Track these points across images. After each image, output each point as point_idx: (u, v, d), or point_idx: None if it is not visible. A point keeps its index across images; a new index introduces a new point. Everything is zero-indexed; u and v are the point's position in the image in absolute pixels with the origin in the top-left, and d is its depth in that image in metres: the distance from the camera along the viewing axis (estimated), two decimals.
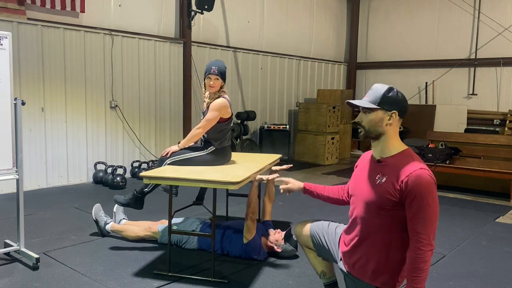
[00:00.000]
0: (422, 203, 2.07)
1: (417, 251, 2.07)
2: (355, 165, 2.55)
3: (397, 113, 2.21)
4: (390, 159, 2.23)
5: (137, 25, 7.47)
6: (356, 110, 2.40)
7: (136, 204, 4.13)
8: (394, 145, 2.25)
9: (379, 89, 2.23)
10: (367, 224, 2.28)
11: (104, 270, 3.62)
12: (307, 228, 2.73)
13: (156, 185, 4.02)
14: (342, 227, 2.62)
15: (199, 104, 8.24)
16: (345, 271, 2.46)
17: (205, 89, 4.09)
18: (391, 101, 2.20)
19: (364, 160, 2.46)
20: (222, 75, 3.98)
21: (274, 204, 4.56)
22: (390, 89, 2.22)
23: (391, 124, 2.21)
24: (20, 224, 3.73)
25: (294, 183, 2.78)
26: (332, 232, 2.65)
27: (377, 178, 2.24)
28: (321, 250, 2.70)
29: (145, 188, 4.06)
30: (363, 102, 2.25)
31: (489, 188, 6.83)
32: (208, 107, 4.02)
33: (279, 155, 4.84)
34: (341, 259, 2.51)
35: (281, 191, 2.80)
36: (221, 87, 4.03)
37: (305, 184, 2.76)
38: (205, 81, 4.02)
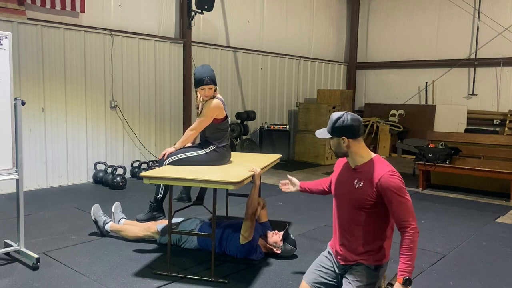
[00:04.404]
0: (399, 199, 2.50)
1: (406, 235, 2.48)
2: (334, 168, 2.94)
3: (346, 138, 2.60)
4: (364, 166, 2.64)
5: (137, 25, 7.48)
6: None
7: (158, 213, 4.16)
8: (362, 155, 2.65)
9: (332, 119, 2.65)
10: (353, 221, 2.67)
11: (104, 270, 3.62)
12: (304, 285, 2.92)
13: (167, 190, 4.00)
14: (324, 253, 2.95)
15: None
16: (342, 266, 2.73)
17: (197, 97, 4.06)
18: (338, 130, 2.61)
19: (339, 166, 2.86)
20: (214, 81, 3.96)
21: (274, 204, 4.57)
22: (337, 119, 2.61)
23: (348, 145, 2.62)
24: (20, 224, 3.73)
25: (293, 187, 3.33)
26: (320, 263, 2.91)
27: (355, 183, 2.64)
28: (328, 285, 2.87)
29: (157, 195, 4.07)
30: (322, 132, 2.72)
31: (489, 188, 6.82)
32: (202, 108, 4.03)
33: (279, 155, 4.84)
34: (337, 265, 2.78)
35: (282, 189, 3.34)
36: (214, 90, 4.02)
37: (300, 184, 3.28)
38: (198, 90, 3.98)
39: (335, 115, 2.64)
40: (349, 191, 2.66)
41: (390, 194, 2.50)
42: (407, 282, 2.43)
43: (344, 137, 2.60)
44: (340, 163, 2.86)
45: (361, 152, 2.65)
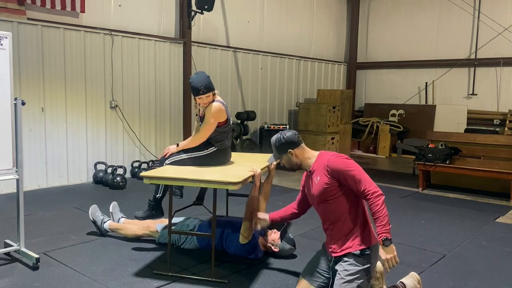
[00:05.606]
0: (349, 173, 2.77)
1: (370, 201, 2.70)
2: (301, 185, 3.22)
3: (291, 150, 2.99)
4: (315, 165, 2.97)
5: (137, 25, 7.47)
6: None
7: (156, 212, 4.16)
8: (310, 157, 3.02)
9: (273, 143, 3.07)
10: (327, 214, 2.93)
11: (104, 270, 3.62)
12: (301, 281, 3.07)
13: (166, 189, 4.00)
14: (319, 250, 3.16)
15: None
16: (333, 258, 2.92)
17: (196, 103, 4.03)
18: (282, 148, 3.02)
19: (304, 178, 3.16)
20: (210, 89, 3.90)
21: (274, 204, 4.56)
22: (276, 140, 3.03)
23: (296, 155, 3.00)
24: (20, 224, 3.73)
25: (265, 223, 3.43)
26: (315, 259, 3.11)
27: (315, 180, 2.93)
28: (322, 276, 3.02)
29: (157, 194, 4.08)
30: (271, 158, 3.21)
31: (489, 188, 6.82)
32: (203, 113, 4.01)
33: None
34: (330, 258, 2.97)
35: (258, 227, 3.48)
36: (213, 95, 3.99)
37: (270, 216, 3.38)
38: (196, 98, 3.93)
39: (273, 139, 3.07)
40: (313, 191, 2.94)
41: (341, 173, 2.77)
42: (386, 242, 2.66)
43: (290, 150, 2.98)
44: (303, 177, 3.16)
45: (308, 155, 3.01)
